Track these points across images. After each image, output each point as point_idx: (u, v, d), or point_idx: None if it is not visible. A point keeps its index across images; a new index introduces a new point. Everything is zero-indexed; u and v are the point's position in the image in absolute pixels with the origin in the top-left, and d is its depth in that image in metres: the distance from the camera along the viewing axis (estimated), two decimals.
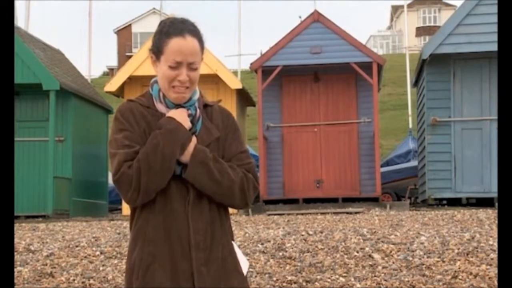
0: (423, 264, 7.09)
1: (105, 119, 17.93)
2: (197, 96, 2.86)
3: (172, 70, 2.76)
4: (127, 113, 2.79)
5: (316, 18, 14.70)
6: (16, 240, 9.08)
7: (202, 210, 2.77)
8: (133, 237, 2.80)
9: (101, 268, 7.48)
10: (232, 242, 2.87)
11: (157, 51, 2.80)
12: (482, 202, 13.44)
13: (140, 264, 2.73)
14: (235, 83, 14.97)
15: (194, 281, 2.70)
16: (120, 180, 2.71)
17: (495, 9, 11.72)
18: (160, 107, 2.83)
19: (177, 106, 2.82)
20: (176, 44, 2.75)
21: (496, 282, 6.43)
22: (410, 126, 27.83)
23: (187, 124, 2.77)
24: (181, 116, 2.77)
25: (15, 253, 8.24)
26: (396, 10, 78.99)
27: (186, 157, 2.75)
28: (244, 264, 2.85)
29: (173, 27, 2.78)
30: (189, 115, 2.80)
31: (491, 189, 13.43)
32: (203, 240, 2.74)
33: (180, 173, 2.75)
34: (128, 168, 2.69)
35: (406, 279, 6.66)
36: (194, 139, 2.79)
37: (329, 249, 7.76)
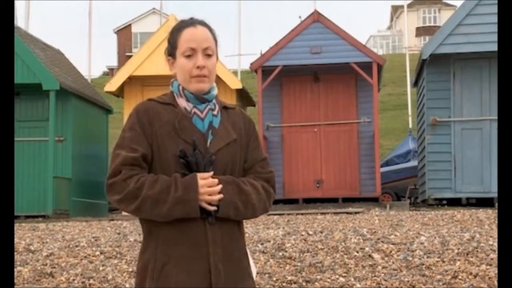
0: (423, 264, 7.09)
1: (105, 119, 17.93)
2: (215, 91, 2.90)
3: (188, 60, 2.80)
4: (142, 113, 2.78)
5: (316, 18, 14.70)
6: (16, 240, 9.08)
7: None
8: (145, 237, 2.78)
9: (101, 268, 7.47)
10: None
11: (171, 49, 2.84)
12: (482, 202, 13.44)
13: (155, 264, 2.69)
14: (235, 83, 14.97)
15: (211, 279, 2.66)
16: (112, 187, 2.70)
17: (495, 9, 11.71)
18: (181, 102, 2.83)
19: (198, 98, 2.82)
20: (188, 33, 2.81)
21: (496, 282, 6.43)
22: (410, 126, 27.85)
23: (207, 195, 2.69)
24: (205, 186, 2.68)
25: (15, 253, 8.24)
26: (396, 10, 78.96)
27: (213, 200, 2.70)
28: (253, 268, 2.87)
29: (184, 22, 2.86)
30: (208, 109, 2.82)
31: (491, 189, 13.42)
32: (220, 237, 2.71)
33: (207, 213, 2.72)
34: (124, 181, 2.67)
35: (406, 279, 6.66)
36: (214, 180, 2.72)
37: (329, 249, 7.76)
